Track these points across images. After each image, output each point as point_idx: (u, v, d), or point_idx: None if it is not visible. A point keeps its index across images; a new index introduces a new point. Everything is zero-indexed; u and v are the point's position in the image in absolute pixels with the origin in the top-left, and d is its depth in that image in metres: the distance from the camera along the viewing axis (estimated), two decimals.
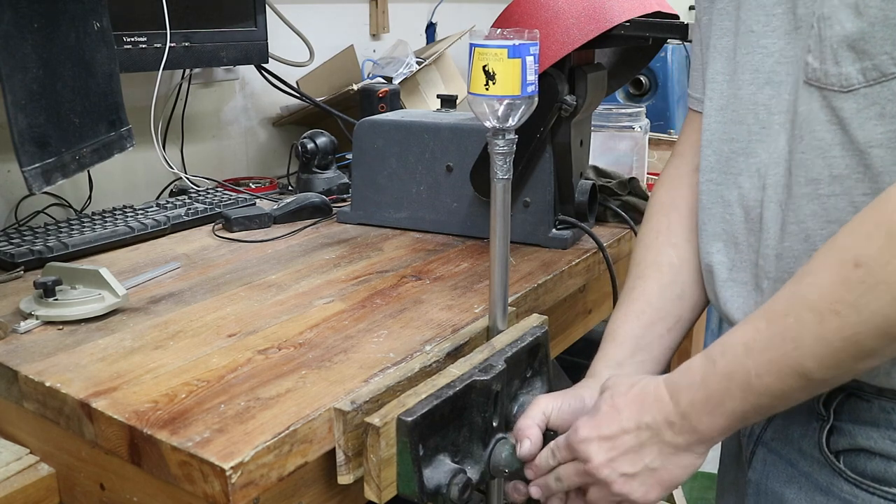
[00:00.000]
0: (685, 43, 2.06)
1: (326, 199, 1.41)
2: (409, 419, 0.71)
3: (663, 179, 0.92)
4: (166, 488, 0.72)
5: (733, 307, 0.76)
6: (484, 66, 0.76)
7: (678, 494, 1.93)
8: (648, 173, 1.63)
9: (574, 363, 2.16)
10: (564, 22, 1.05)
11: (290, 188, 1.62)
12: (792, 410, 0.67)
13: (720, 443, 0.85)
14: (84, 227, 1.24)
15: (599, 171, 1.40)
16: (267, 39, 1.54)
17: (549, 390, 0.89)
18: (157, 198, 1.57)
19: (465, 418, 0.77)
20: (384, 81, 1.71)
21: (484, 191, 1.21)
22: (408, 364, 0.80)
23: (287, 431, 0.69)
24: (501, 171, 0.81)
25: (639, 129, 1.54)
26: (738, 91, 0.74)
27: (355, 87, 1.67)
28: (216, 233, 1.31)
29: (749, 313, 0.66)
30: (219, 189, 1.53)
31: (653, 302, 0.85)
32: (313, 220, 1.37)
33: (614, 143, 1.54)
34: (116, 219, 1.29)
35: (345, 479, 0.73)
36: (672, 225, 0.88)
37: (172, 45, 1.37)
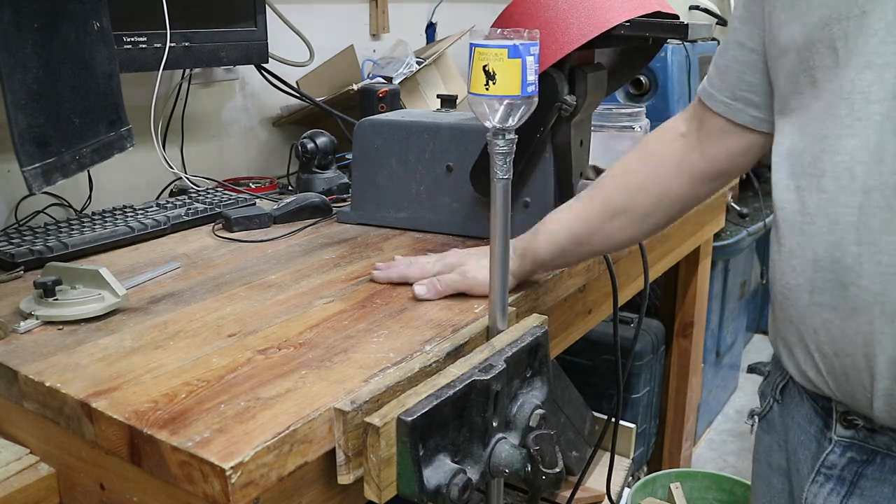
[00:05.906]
0: (685, 43, 2.06)
1: (326, 199, 1.41)
2: (409, 419, 0.71)
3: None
4: (166, 488, 0.72)
5: None
6: (484, 66, 0.76)
7: (678, 494, 1.93)
8: None
9: (574, 363, 2.16)
10: (564, 22, 1.05)
11: (290, 188, 1.62)
12: None
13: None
14: (84, 227, 1.24)
15: (599, 171, 1.40)
16: (267, 39, 1.54)
17: (549, 390, 0.89)
18: (157, 198, 1.57)
19: (465, 418, 0.77)
20: (384, 81, 1.71)
21: (484, 191, 1.21)
22: (408, 364, 0.80)
23: (287, 431, 0.69)
24: (501, 171, 0.81)
25: (639, 129, 1.54)
26: None
27: (355, 87, 1.67)
28: (216, 233, 1.31)
29: None
30: (219, 189, 1.53)
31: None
32: (313, 220, 1.37)
33: (614, 143, 1.54)
34: (116, 219, 1.29)
35: (345, 479, 0.73)
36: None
37: (172, 45, 1.37)
